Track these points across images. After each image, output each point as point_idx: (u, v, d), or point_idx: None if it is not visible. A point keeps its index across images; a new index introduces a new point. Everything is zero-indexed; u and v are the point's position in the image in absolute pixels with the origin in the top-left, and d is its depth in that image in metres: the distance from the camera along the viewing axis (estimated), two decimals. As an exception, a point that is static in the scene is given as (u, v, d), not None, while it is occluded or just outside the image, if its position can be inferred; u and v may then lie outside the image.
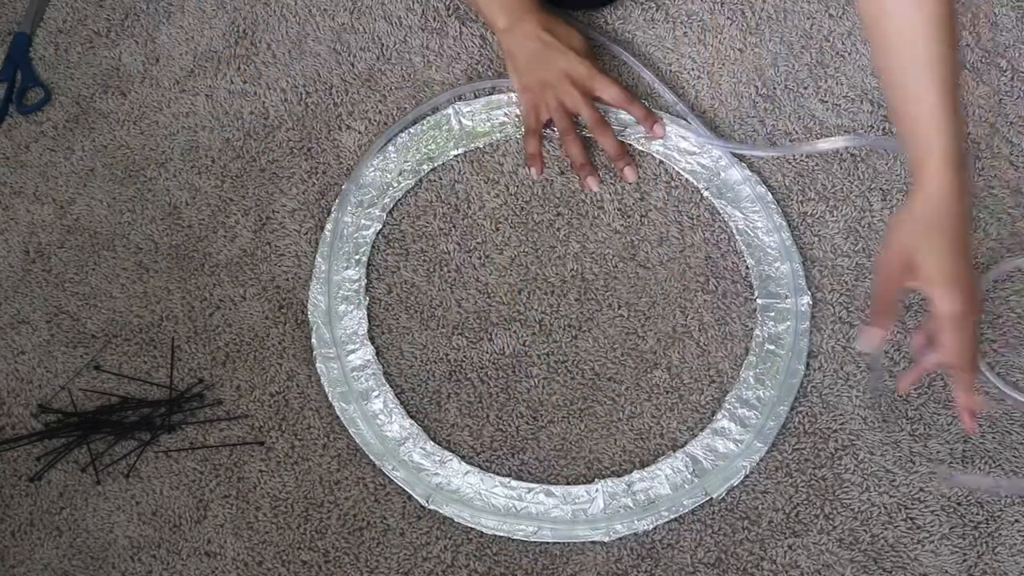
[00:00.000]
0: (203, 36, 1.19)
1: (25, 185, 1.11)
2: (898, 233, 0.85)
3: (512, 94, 1.13)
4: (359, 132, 1.13)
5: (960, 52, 0.88)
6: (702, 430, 1.00)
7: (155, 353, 1.03)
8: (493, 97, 1.14)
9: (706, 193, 1.10)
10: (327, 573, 0.94)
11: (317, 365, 1.01)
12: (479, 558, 0.95)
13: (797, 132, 1.13)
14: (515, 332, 1.04)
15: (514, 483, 0.98)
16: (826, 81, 1.16)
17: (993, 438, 0.99)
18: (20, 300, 1.05)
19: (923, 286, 0.83)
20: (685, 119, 1.13)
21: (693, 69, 1.17)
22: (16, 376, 1.02)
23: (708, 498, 0.97)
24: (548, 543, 0.96)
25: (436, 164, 1.11)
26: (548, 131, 1.11)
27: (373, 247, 1.07)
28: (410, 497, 0.97)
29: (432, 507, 0.96)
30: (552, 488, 0.97)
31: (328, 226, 1.07)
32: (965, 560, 0.95)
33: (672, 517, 0.96)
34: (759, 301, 1.05)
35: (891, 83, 0.85)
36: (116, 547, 0.95)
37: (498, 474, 0.98)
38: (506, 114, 1.13)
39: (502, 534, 0.95)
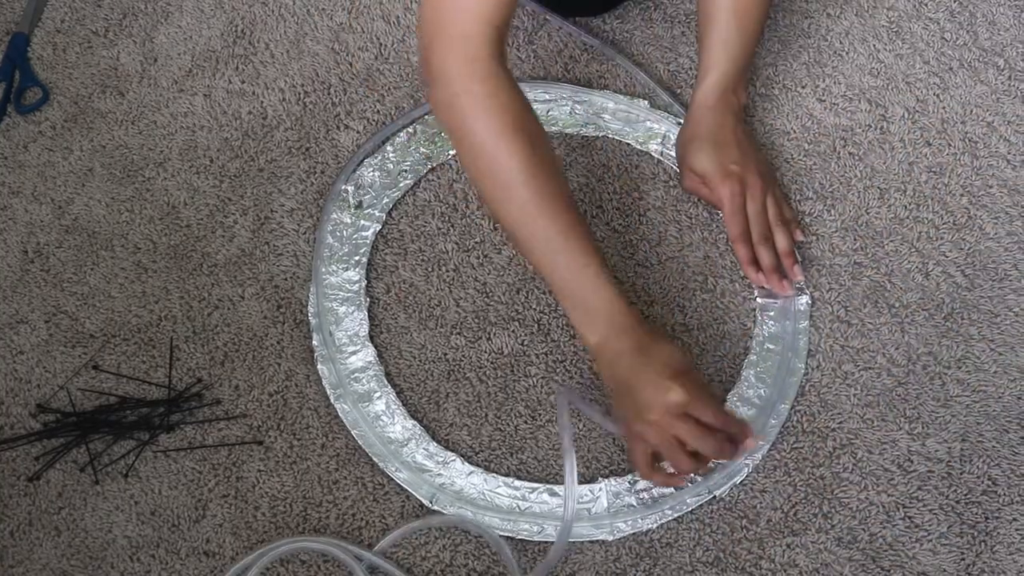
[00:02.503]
0: (201, 36, 1.19)
1: (23, 185, 1.11)
2: (678, 153, 1.07)
3: None
4: (357, 132, 1.13)
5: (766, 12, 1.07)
6: (702, 429, 1.00)
7: (154, 353, 1.03)
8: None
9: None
10: (327, 573, 0.94)
11: (319, 367, 1.01)
12: (478, 557, 0.95)
13: (795, 131, 1.14)
14: (513, 331, 1.04)
15: (517, 483, 0.97)
16: (824, 80, 1.17)
17: (993, 437, 0.99)
18: (19, 300, 1.05)
19: (707, 182, 1.04)
20: (680, 120, 1.13)
21: (691, 69, 1.17)
22: (15, 376, 1.02)
23: (711, 496, 0.96)
24: (548, 542, 0.96)
25: (435, 164, 1.11)
26: None
27: (372, 248, 1.07)
28: (408, 496, 0.97)
29: (436, 508, 0.96)
30: (556, 488, 0.97)
31: (322, 226, 1.07)
32: (963, 559, 0.95)
33: (676, 516, 0.96)
34: (759, 300, 1.05)
35: (702, 15, 1.06)
36: (115, 547, 0.95)
37: (498, 473, 0.98)
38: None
39: (506, 534, 0.95)
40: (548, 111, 1.14)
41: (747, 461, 0.98)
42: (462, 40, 0.92)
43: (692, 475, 0.95)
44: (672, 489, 0.96)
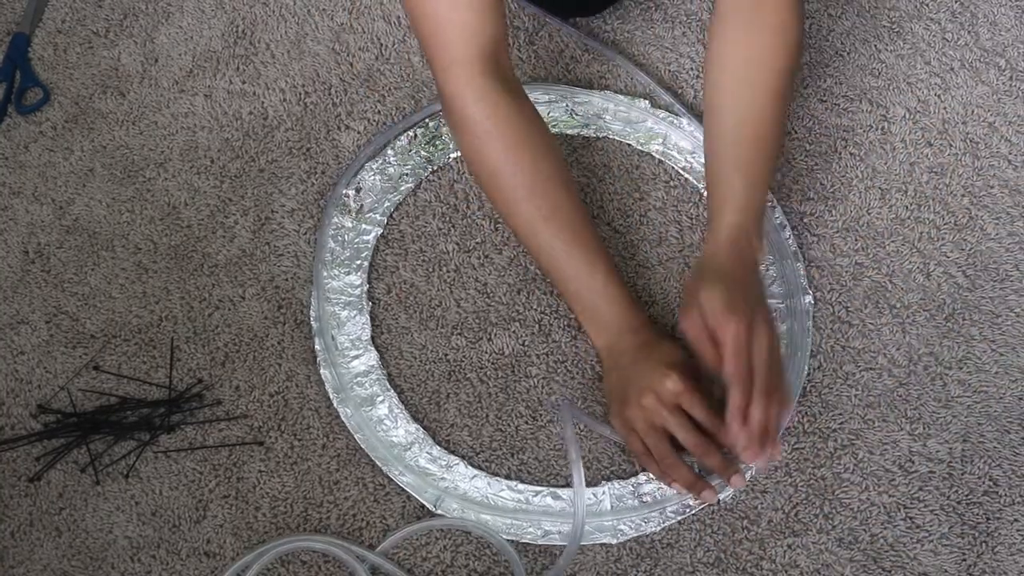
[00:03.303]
0: (202, 36, 1.19)
1: (24, 185, 1.11)
2: (687, 289, 0.96)
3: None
4: (358, 132, 1.13)
5: (777, 150, 1.01)
6: (703, 430, 1.00)
7: (154, 353, 1.03)
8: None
9: (706, 193, 1.10)
10: (327, 573, 0.94)
11: (321, 371, 1.01)
12: (478, 558, 0.95)
13: (797, 132, 1.14)
14: (514, 332, 1.04)
15: (521, 486, 0.97)
16: (825, 80, 1.16)
17: (994, 437, 0.99)
18: (19, 300, 1.05)
19: (708, 321, 0.90)
20: (682, 119, 1.13)
21: (692, 69, 1.17)
22: (15, 376, 1.02)
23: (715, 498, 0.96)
24: (552, 545, 0.95)
25: (436, 166, 1.11)
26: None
27: (373, 250, 1.07)
28: (409, 497, 0.97)
29: (440, 512, 0.96)
30: (559, 491, 0.97)
31: (323, 230, 1.07)
32: (964, 560, 0.95)
33: (679, 519, 0.96)
34: (759, 301, 1.05)
35: (709, 166, 0.99)
36: (115, 547, 0.95)
37: (497, 474, 0.98)
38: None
39: (510, 538, 0.95)
40: (549, 112, 1.13)
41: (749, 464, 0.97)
42: (454, 67, 0.95)
43: (682, 491, 0.95)
44: (675, 491, 0.96)
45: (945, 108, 1.15)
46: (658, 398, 0.93)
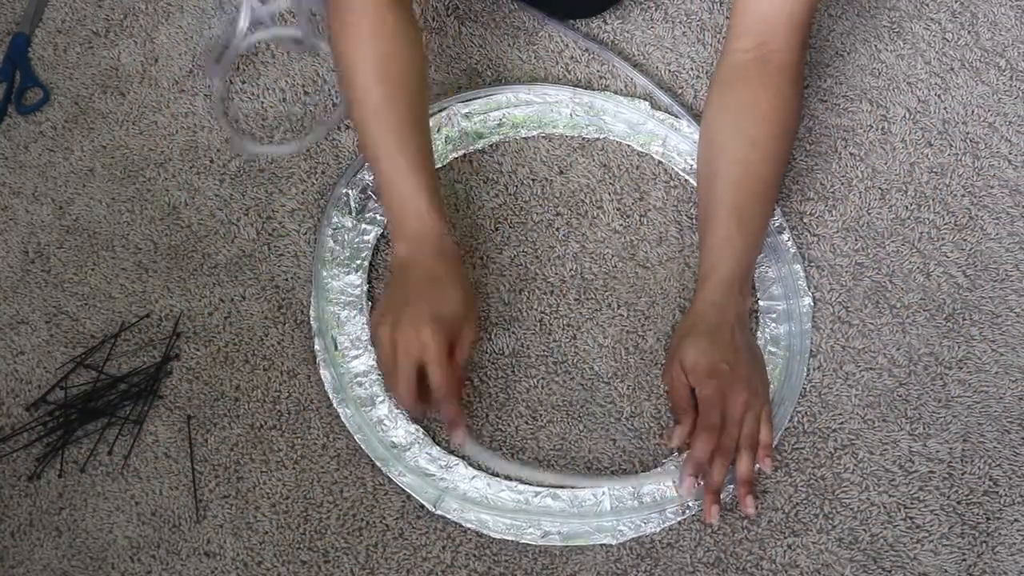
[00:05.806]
0: (202, 36, 1.19)
1: (24, 185, 1.11)
2: (672, 345, 1.01)
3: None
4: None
5: (770, 207, 1.02)
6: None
7: (155, 353, 1.03)
8: (492, 98, 1.14)
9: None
10: (326, 573, 0.94)
11: (321, 372, 1.01)
12: (479, 558, 0.95)
13: (797, 132, 1.13)
14: (514, 332, 1.04)
15: (521, 487, 0.97)
16: (825, 81, 1.16)
17: (994, 437, 0.99)
18: (19, 300, 1.05)
19: (689, 379, 0.96)
20: (682, 120, 1.13)
21: (692, 68, 1.17)
22: (15, 376, 1.02)
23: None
24: (552, 546, 0.95)
25: (436, 167, 1.11)
26: None
27: (373, 250, 1.07)
28: (409, 497, 0.97)
29: (440, 512, 0.96)
30: (559, 492, 0.97)
31: (322, 230, 1.07)
32: (964, 560, 0.95)
33: (679, 519, 0.96)
34: (760, 303, 1.05)
35: (700, 213, 1.03)
36: (115, 547, 0.95)
37: (496, 474, 0.98)
38: (504, 115, 1.13)
39: (511, 538, 0.95)
40: (549, 112, 1.13)
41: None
42: None
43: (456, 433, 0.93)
44: (673, 490, 0.96)
45: (945, 108, 1.15)
46: (417, 338, 0.90)
